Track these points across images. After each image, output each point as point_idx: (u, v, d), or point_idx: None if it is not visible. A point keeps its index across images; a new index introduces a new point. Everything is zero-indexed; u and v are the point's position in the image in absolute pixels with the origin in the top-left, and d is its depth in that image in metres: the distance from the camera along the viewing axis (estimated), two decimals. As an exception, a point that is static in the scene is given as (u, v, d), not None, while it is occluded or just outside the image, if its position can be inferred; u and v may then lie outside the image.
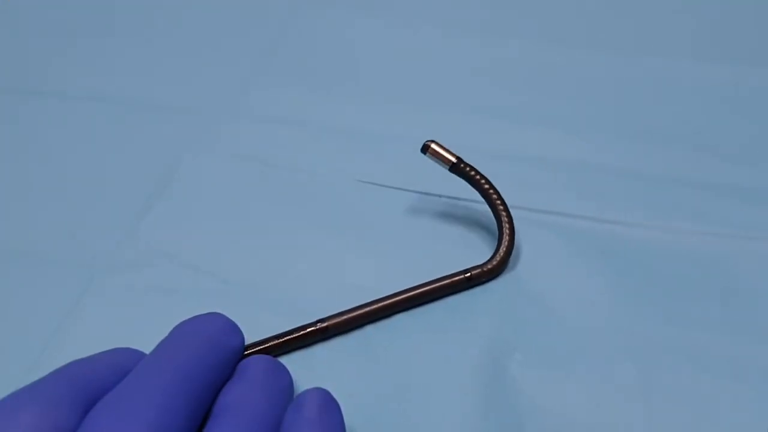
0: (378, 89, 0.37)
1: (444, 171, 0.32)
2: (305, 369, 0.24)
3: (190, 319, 0.22)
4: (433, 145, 0.28)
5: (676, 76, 0.37)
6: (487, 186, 0.28)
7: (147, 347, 0.21)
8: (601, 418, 0.24)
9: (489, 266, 0.27)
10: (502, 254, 0.27)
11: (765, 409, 0.24)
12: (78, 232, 0.30)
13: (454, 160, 0.28)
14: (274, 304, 0.27)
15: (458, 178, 0.32)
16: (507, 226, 0.28)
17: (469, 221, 0.30)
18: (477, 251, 0.29)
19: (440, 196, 0.31)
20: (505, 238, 0.28)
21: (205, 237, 0.30)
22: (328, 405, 0.21)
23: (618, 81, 0.37)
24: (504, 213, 0.28)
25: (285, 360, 0.24)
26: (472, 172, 0.28)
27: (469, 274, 0.27)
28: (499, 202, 0.28)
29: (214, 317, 0.23)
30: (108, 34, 0.41)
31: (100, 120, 0.35)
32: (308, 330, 0.25)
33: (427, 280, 0.27)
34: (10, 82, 0.38)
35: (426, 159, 0.33)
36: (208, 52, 0.40)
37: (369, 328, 0.26)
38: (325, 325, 0.26)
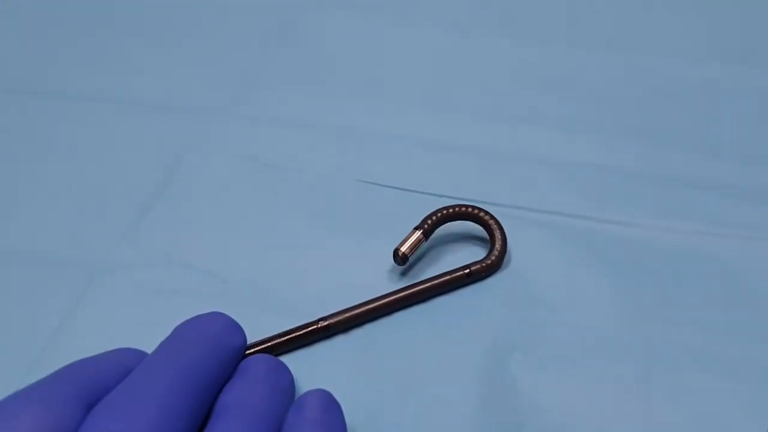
0: (378, 89, 0.37)
1: (444, 171, 0.32)
2: (307, 368, 0.24)
3: (191, 319, 0.22)
4: (402, 249, 0.27)
5: (676, 76, 0.37)
6: (452, 210, 0.28)
7: (148, 347, 0.22)
8: (601, 418, 0.24)
9: (488, 261, 0.28)
10: (498, 249, 0.28)
11: (765, 409, 0.24)
12: (78, 232, 0.30)
13: (420, 232, 0.28)
14: (274, 303, 0.27)
15: (458, 179, 0.32)
16: (493, 223, 0.28)
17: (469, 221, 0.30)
18: (477, 251, 0.29)
19: (440, 196, 0.31)
20: (497, 234, 0.28)
21: (205, 237, 0.30)
22: (329, 406, 0.21)
23: (618, 81, 0.37)
24: (485, 215, 0.28)
25: (286, 359, 0.24)
26: (435, 217, 0.28)
27: (468, 270, 0.27)
28: (472, 209, 0.29)
29: (216, 316, 0.23)
30: (108, 34, 0.41)
31: (100, 120, 0.35)
32: (310, 329, 0.26)
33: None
34: (10, 82, 0.38)
35: (425, 159, 0.33)
36: (208, 52, 0.40)
37: (370, 327, 0.26)
38: (326, 323, 0.26)
